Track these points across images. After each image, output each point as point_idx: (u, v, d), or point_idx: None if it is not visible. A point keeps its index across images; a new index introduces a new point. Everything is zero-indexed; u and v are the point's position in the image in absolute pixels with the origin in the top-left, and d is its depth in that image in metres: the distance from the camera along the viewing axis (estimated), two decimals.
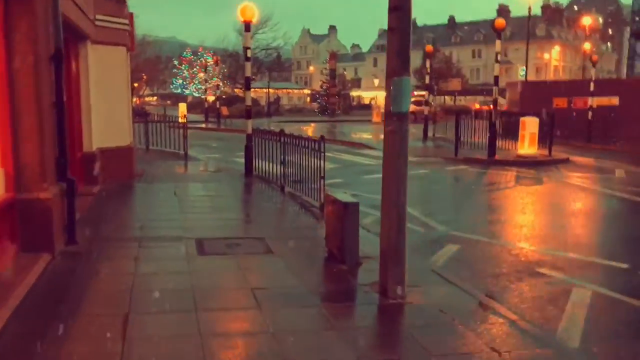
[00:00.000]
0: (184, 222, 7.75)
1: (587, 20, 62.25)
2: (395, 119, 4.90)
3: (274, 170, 10.65)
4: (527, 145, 17.05)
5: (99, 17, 9.91)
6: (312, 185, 8.79)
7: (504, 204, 11.09)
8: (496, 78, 17.39)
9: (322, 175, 8.36)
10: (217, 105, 31.10)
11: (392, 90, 4.94)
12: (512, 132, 18.04)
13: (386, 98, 5.09)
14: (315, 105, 61.19)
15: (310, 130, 29.94)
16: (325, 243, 6.30)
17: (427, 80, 22.80)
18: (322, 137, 8.34)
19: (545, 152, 17.31)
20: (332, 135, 25.31)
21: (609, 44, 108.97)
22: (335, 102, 47.74)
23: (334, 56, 43.35)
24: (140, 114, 21.23)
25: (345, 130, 30.21)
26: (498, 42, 16.90)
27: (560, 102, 26.00)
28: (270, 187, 10.79)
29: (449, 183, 13.91)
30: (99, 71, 9.98)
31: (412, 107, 39.85)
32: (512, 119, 19.07)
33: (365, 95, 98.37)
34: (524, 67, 37.86)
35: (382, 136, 5.28)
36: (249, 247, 6.46)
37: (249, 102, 12.13)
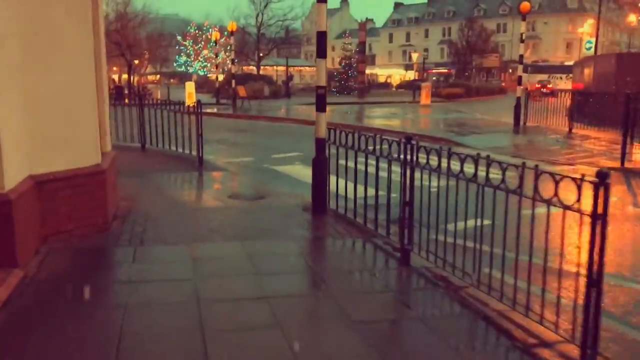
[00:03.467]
0: None
1: None
2: None
3: (364, 200, 5.87)
4: None
5: None
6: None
7: None
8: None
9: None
10: (233, 85, 25.44)
11: None
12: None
13: None
14: (332, 83, 55.62)
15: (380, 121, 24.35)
16: None
17: (521, 50, 17.49)
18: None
19: None
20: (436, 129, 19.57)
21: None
22: (365, 81, 41.94)
23: (364, 27, 37.46)
24: (137, 96, 16.04)
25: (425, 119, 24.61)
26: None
27: None
28: (374, 250, 5.50)
29: None
30: (22, 13, 4.63)
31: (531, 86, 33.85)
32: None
33: (380, 72, 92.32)
34: (591, 40, 31.95)
35: None
36: None
37: (323, 81, 6.63)
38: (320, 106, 6.53)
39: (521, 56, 17.26)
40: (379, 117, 23.20)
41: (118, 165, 8.72)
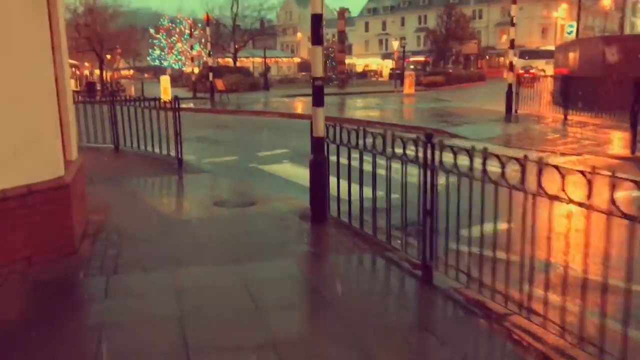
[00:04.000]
0: None
1: None
2: None
3: (372, 206, 5.10)
4: None
5: None
6: None
7: None
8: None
9: None
10: (210, 78, 24.33)
11: None
12: None
13: None
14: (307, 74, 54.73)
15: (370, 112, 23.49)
16: None
17: (512, 35, 16.78)
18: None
19: None
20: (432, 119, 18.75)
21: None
22: (345, 71, 41.03)
23: (342, 15, 36.48)
24: (109, 93, 15.03)
25: (421, 107, 23.86)
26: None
27: None
28: (389, 268, 4.74)
29: None
30: None
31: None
32: None
33: (357, 62, 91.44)
34: (572, 24, 31.53)
35: None
36: None
37: (319, 71, 5.82)
38: (318, 100, 5.73)
39: (512, 41, 16.55)
40: (363, 108, 22.41)
41: (88, 171, 7.82)
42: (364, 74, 78.67)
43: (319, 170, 5.78)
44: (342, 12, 37.36)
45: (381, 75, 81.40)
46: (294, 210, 6.47)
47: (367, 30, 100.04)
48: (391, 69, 76.29)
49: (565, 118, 14.95)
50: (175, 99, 9.36)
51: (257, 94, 33.50)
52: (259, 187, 7.95)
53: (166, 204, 7.05)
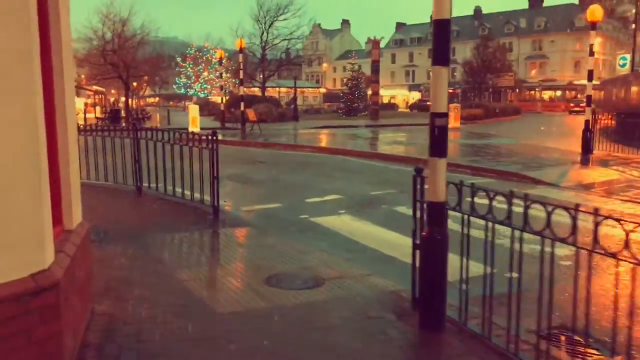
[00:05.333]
0: None
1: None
2: None
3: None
4: None
5: None
6: None
7: None
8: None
9: None
10: (242, 108, 22.68)
11: None
12: None
13: None
14: (337, 105, 53.28)
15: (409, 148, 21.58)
16: None
17: (590, 65, 14.92)
18: None
19: None
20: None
21: None
22: (378, 102, 39.33)
23: (377, 44, 34.90)
24: (134, 119, 13.47)
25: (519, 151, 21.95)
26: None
27: None
28: None
29: None
30: None
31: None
32: None
33: (383, 93, 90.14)
34: (625, 56, 29.54)
35: None
36: None
37: (443, 105, 3.94)
38: (438, 146, 3.85)
39: (590, 71, 14.59)
40: (410, 144, 20.48)
41: (103, 223, 6.06)
42: (391, 105, 77.44)
43: (438, 253, 3.87)
44: (377, 42, 35.90)
45: (405, 107, 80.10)
46: (382, 298, 4.58)
47: (393, 61, 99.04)
48: (419, 100, 74.98)
49: None
50: (214, 134, 7.61)
51: (287, 124, 31.89)
52: (320, 252, 6.06)
53: (202, 282, 5.17)
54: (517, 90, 76.38)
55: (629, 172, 11.81)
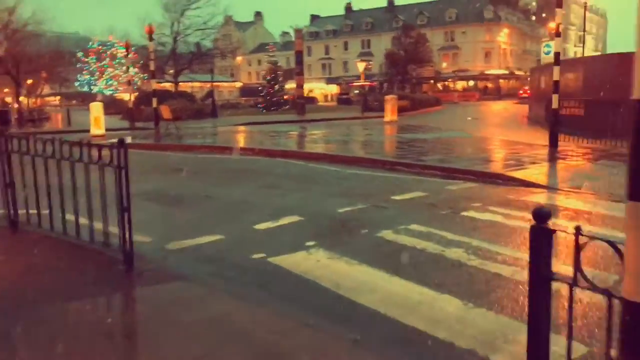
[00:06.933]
0: None
1: None
2: None
3: None
4: None
5: None
6: None
7: None
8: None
9: None
10: (155, 104, 19.42)
11: None
12: None
13: None
14: (255, 99, 50.72)
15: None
16: None
17: (557, 48, 13.34)
18: None
19: None
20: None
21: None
22: (303, 96, 37.05)
23: (300, 34, 32.42)
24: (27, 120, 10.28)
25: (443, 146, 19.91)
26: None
27: None
28: None
29: None
30: None
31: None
32: None
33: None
34: (549, 43, 29.08)
35: None
36: None
37: None
38: None
39: (557, 54, 13.08)
40: (353, 142, 18.39)
41: None
42: (310, 99, 75.78)
43: None
44: (300, 31, 33.61)
45: (324, 101, 78.72)
46: None
47: (309, 54, 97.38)
48: (339, 94, 73.66)
49: None
50: (121, 143, 5.00)
51: (206, 122, 28.93)
52: (298, 327, 3.75)
53: None
54: (433, 81, 77.11)
55: (618, 166, 10.40)
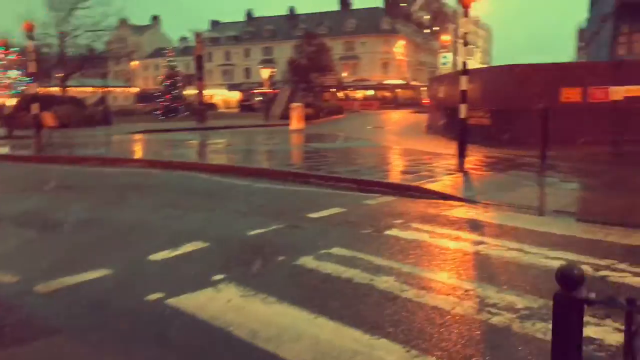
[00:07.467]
0: None
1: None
2: None
3: None
4: None
5: None
6: None
7: None
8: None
9: None
10: (36, 110, 17.18)
11: None
12: None
13: None
14: (152, 106, 48.17)
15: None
16: None
17: (462, 56, 13.20)
18: None
19: None
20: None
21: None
22: (203, 102, 35.42)
23: (200, 38, 30.85)
24: None
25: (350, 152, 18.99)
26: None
27: (571, 94, 18.29)
28: None
29: None
30: None
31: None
32: None
33: (203, 93, 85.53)
34: (446, 55, 30.04)
35: None
36: None
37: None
38: None
39: (464, 63, 12.94)
40: (260, 152, 17.44)
41: None
42: (210, 105, 73.71)
43: None
44: (200, 35, 32.15)
45: (225, 107, 76.99)
46: None
47: (210, 60, 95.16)
48: (241, 101, 72.23)
49: (544, 157, 11.66)
50: None
51: (97, 130, 26.67)
52: None
53: None
54: (335, 89, 77.89)
55: (528, 177, 10.37)
